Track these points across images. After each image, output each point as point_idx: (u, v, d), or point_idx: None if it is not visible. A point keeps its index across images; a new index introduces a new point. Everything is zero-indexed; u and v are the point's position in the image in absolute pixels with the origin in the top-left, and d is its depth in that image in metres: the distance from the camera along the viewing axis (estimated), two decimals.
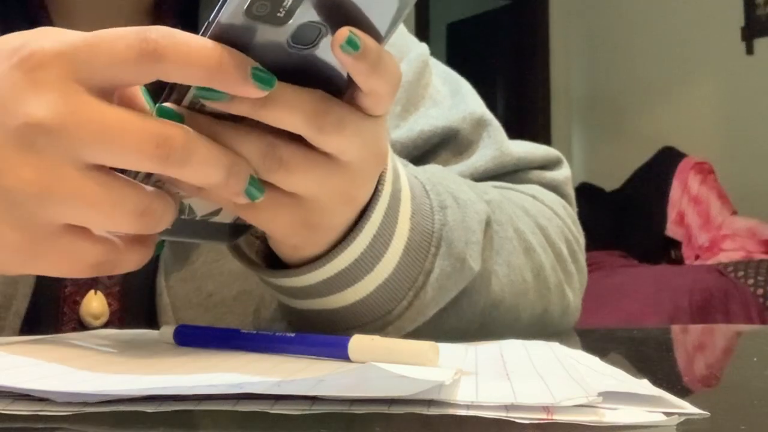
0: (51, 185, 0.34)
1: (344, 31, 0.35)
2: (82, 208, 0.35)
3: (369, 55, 0.36)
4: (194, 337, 0.41)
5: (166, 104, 0.37)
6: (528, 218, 0.59)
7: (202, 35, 0.35)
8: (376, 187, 0.44)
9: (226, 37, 0.35)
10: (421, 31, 4.43)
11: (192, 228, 0.42)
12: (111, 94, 0.36)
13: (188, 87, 0.36)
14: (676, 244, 3.68)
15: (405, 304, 0.48)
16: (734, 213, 3.64)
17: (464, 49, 5.31)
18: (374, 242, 0.45)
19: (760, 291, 2.94)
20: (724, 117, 4.04)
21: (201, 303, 0.56)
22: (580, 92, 4.70)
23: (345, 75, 0.38)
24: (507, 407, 0.28)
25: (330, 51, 0.36)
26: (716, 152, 3.87)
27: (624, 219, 3.84)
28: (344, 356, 0.35)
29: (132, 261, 0.39)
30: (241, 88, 0.35)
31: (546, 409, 0.28)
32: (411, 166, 0.54)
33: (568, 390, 0.29)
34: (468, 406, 0.28)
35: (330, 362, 0.35)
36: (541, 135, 4.52)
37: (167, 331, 0.42)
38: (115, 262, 0.38)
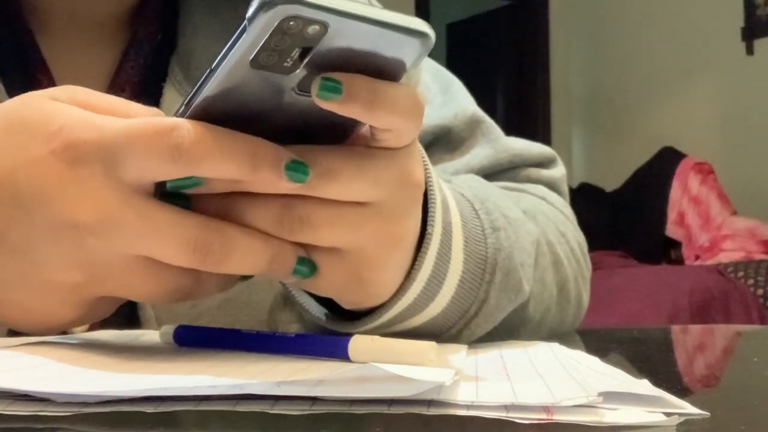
0: (102, 278, 0.36)
1: (318, 79, 0.33)
2: (130, 295, 0.37)
3: (358, 96, 0.34)
4: (194, 338, 0.41)
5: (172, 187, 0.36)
6: (553, 227, 0.57)
7: (203, 81, 0.34)
8: (426, 229, 0.42)
9: (230, 85, 0.34)
10: None
11: None
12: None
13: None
14: (676, 245, 3.68)
15: (453, 332, 0.46)
16: (734, 213, 3.64)
17: (464, 49, 5.31)
18: (428, 285, 0.43)
19: (760, 291, 2.94)
20: (724, 117, 4.04)
21: (185, 314, 0.56)
22: (580, 92, 4.70)
23: (351, 120, 0.36)
24: (507, 407, 0.28)
25: None
26: (716, 152, 3.87)
27: (624, 219, 3.84)
28: (344, 356, 0.35)
29: (212, 287, 0.39)
30: (273, 185, 0.35)
31: (546, 409, 0.28)
32: (453, 180, 0.52)
33: (569, 390, 0.29)
34: (468, 406, 0.28)
35: (330, 362, 0.35)
36: (541, 135, 4.52)
37: (167, 331, 0.42)
38: (191, 287, 0.38)
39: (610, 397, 0.28)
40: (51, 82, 0.57)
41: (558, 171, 0.68)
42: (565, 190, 0.68)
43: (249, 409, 0.28)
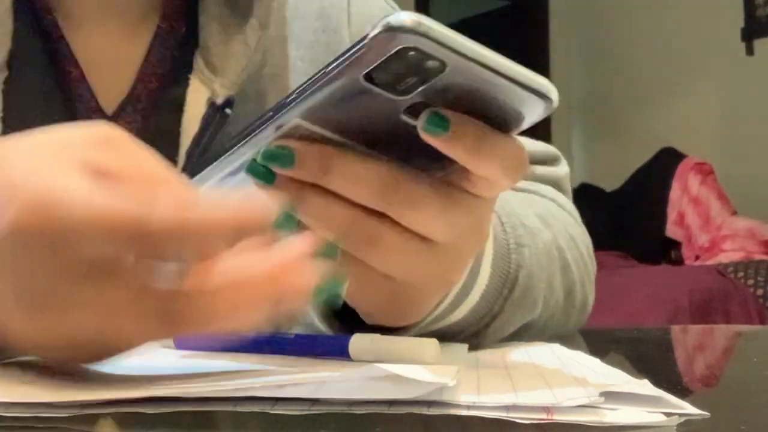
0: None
1: (428, 111, 0.32)
2: None
3: (464, 138, 0.33)
4: (194, 341, 0.41)
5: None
6: (564, 231, 0.57)
7: (317, 80, 0.32)
8: None
9: (341, 93, 0.33)
10: None
11: None
12: None
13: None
14: (676, 245, 3.67)
15: (461, 338, 0.47)
16: (734, 213, 3.63)
17: None
18: (456, 298, 0.44)
19: (760, 291, 2.94)
20: (724, 117, 4.04)
21: None
22: (580, 92, 4.70)
23: None
24: (507, 407, 0.28)
25: None
26: (716, 153, 3.87)
27: (624, 219, 3.83)
28: (345, 355, 0.34)
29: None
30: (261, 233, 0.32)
31: (546, 409, 0.28)
32: None
33: (569, 390, 0.29)
34: (469, 407, 0.28)
35: (331, 363, 0.35)
36: (541, 135, 4.49)
37: None
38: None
39: (610, 397, 0.28)
40: (81, 75, 0.58)
41: (561, 169, 0.68)
42: (569, 188, 0.68)
43: (249, 409, 0.28)
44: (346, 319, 0.44)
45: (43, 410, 0.28)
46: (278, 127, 0.35)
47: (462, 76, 0.32)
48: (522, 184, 0.62)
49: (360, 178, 0.34)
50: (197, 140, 0.57)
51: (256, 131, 0.35)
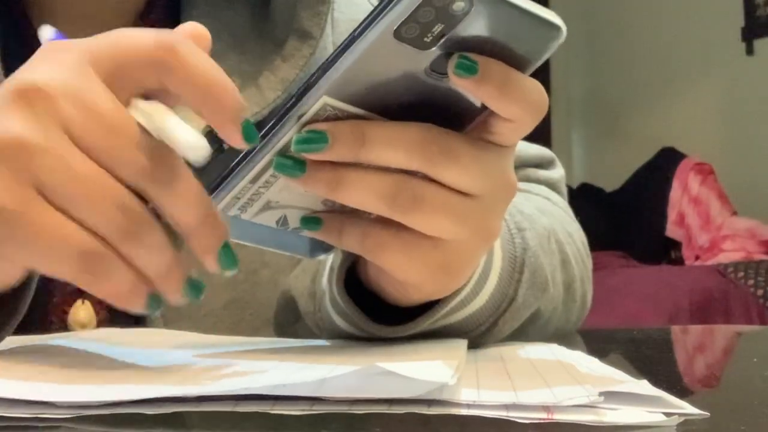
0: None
1: (456, 56, 0.34)
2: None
3: (492, 78, 0.35)
4: None
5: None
6: (561, 226, 0.58)
7: (344, 48, 0.34)
8: None
9: (370, 56, 0.34)
10: None
11: (279, 238, 0.41)
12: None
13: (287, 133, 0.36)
14: (676, 245, 3.67)
15: (483, 329, 0.47)
16: (734, 213, 3.63)
17: None
18: (479, 279, 0.45)
19: (760, 291, 2.94)
20: (724, 117, 4.03)
21: (191, 315, 0.56)
22: (580, 92, 4.70)
23: (472, 109, 0.37)
24: (507, 407, 0.28)
25: None
26: (716, 152, 3.87)
27: (624, 219, 3.83)
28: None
29: (125, 280, 0.35)
30: (227, 127, 0.34)
31: (546, 408, 0.28)
32: None
33: (569, 390, 0.29)
34: (469, 406, 0.28)
35: (332, 363, 0.35)
36: (541, 135, 4.49)
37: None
38: (108, 264, 0.34)
39: (610, 397, 0.28)
40: None
41: (557, 172, 0.68)
42: (564, 191, 0.68)
43: (249, 409, 0.28)
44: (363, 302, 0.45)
45: (43, 410, 0.28)
46: (300, 117, 0.36)
47: (482, 19, 0.34)
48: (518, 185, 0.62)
49: (396, 141, 0.36)
50: None
51: (275, 127, 0.36)
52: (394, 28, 0.33)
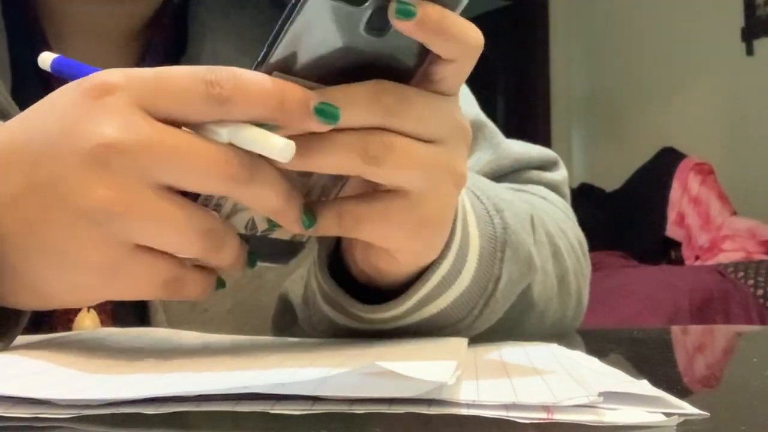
0: (127, 204, 0.35)
1: (393, 4, 0.36)
2: (156, 226, 0.36)
3: (430, 18, 0.36)
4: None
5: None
6: (553, 222, 0.58)
7: (283, 21, 0.35)
8: None
9: (310, 23, 0.35)
10: None
11: (252, 243, 0.41)
12: (178, 126, 0.36)
13: None
14: (676, 245, 3.67)
15: (476, 312, 0.48)
16: (734, 213, 3.63)
17: None
18: (457, 257, 0.45)
19: (760, 292, 2.94)
20: (724, 117, 4.03)
21: (196, 319, 0.56)
22: (580, 92, 4.70)
23: (413, 63, 0.39)
24: (507, 406, 0.28)
25: (399, 36, 0.37)
26: (716, 153, 3.87)
27: (624, 219, 3.83)
28: None
29: (197, 285, 0.39)
30: (305, 124, 0.36)
31: (546, 408, 0.28)
32: None
33: (569, 390, 0.29)
34: (468, 406, 0.28)
35: (332, 362, 0.35)
36: (541, 135, 4.51)
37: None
38: (184, 281, 0.38)
39: (610, 397, 0.28)
40: None
41: (560, 174, 0.68)
42: (567, 192, 0.68)
43: (249, 409, 0.28)
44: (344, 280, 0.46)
45: (43, 410, 0.28)
46: None
47: None
48: (515, 186, 0.63)
49: (354, 99, 0.37)
50: None
51: None
52: None
